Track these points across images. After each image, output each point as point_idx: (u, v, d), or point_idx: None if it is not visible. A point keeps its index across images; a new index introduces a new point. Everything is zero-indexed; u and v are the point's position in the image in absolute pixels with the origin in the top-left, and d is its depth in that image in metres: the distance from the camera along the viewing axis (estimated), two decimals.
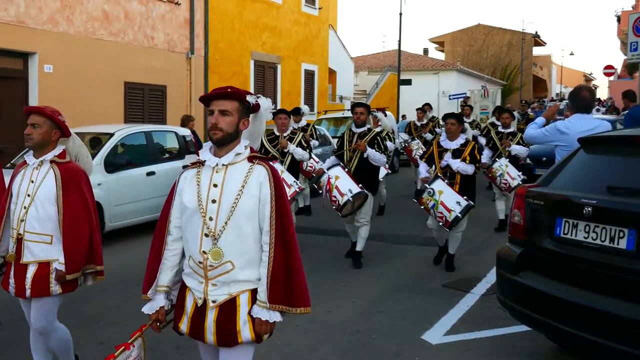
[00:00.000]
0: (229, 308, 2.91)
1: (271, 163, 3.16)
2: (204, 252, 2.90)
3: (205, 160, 3.00)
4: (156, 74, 15.20)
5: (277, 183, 2.96)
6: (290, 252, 2.92)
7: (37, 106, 4.00)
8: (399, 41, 28.89)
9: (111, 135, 9.61)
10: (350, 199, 7.19)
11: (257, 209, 2.92)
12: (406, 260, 8.04)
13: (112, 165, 9.13)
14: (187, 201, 2.98)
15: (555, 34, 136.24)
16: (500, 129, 10.28)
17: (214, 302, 2.91)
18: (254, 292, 2.93)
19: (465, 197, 6.98)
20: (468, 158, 7.18)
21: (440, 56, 54.91)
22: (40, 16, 12.46)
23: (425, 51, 53.15)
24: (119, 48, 14.23)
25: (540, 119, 5.99)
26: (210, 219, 2.90)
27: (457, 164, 7.15)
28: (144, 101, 15.07)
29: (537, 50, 60.81)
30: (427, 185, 7.05)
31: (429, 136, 13.48)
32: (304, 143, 8.50)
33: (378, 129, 10.73)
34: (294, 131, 8.62)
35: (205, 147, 3.05)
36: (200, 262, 2.92)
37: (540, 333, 4.63)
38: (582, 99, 5.67)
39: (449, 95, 34.42)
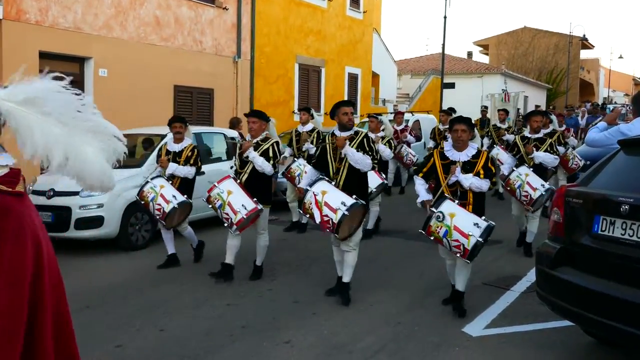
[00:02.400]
0: None
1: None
2: None
3: None
4: (204, 78, 15.65)
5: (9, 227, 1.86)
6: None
7: None
8: (443, 44, 28.90)
9: (163, 136, 10.01)
10: (346, 212, 5.86)
11: None
12: None
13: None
14: None
15: (604, 37, 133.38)
16: (526, 133, 8.57)
17: None
18: None
19: (483, 218, 5.72)
20: (482, 172, 5.87)
21: (485, 59, 54.43)
22: (95, 22, 13.01)
23: (469, 54, 52.71)
24: (169, 52, 14.72)
25: (602, 123, 6.13)
26: None
27: (470, 180, 5.83)
28: (192, 104, 15.54)
29: (584, 54, 59.69)
30: (433, 209, 5.67)
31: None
32: (270, 154, 7.02)
33: (380, 134, 10.09)
34: (267, 137, 7.19)
35: None
36: None
37: (579, 326, 4.79)
38: None
39: None
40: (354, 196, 6.01)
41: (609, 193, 4.27)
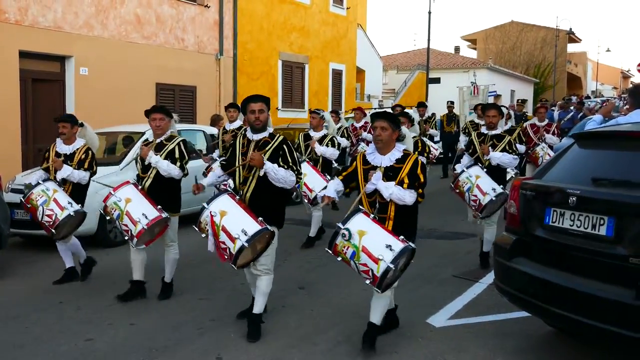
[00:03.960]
0: None
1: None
2: None
3: None
4: (186, 75, 15.73)
5: None
6: None
7: None
8: (428, 39, 29.09)
9: (143, 134, 10.10)
10: (246, 244, 4.90)
11: None
12: (422, 252, 8.27)
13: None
14: None
15: (591, 31, 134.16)
16: (483, 129, 7.67)
17: None
18: None
19: (401, 238, 4.65)
20: (406, 181, 4.80)
21: (473, 54, 54.75)
22: (76, 21, 13.06)
23: (457, 49, 53.00)
24: (150, 50, 14.78)
25: (598, 116, 6.24)
26: None
27: (390, 190, 4.77)
28: (174, 101, 15.61)
29: (572, 47, 60.13)
30: (340, 225, 4.63)
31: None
32: (177, 154, 6.20)
33: (320, 134, 9.08)
34: (172, 136, 6.40)
35: None
36: None
37: (535, 316, 4.93)
38: None
39: None
40: (260, 219, 5.02)
41: (558, 185, 4.41)
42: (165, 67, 15.11)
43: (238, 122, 9.71)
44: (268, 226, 5.06)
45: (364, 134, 12.86)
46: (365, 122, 13.27)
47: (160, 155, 6.17)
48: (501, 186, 7.17)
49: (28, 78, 12.37)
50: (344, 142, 10.69)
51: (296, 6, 20.03)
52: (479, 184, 7.02)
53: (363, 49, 26.16)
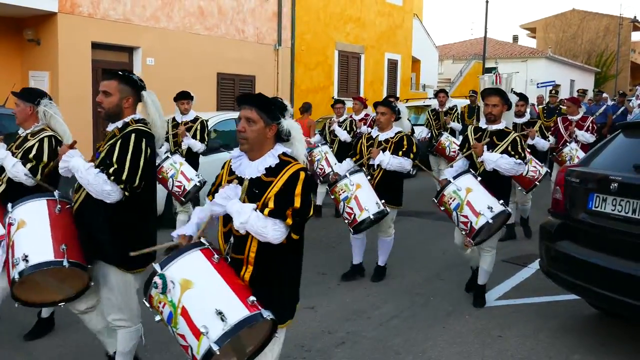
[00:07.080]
0: None
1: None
2: None
3: None
4: (246, 65, 16.26)
5: None
6: None
7: None
8: (485, 28, 28.95)
9: (206, 121, 10.65)
10: (17, 277, 3.41)
11: None
12: None
13: (207, 148, 10.12)
14: None
15: None
16: (482, 123, 5.76)
17: None
18: None
19: (251, 300, 2.72)
20: (271, 205, 2.87)
21: (532, 43, 53.80)
22: (143, 14, 13.73)
23: (515, 38, 52.21)
24: (212, 41, 15.36)
25: None
26: None
27: (243, 216, 2.84)
28: (234, 90, 16.18)
29: (636, 36, 58.39)
30: (157, 268, 2.84)
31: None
32: (31, 153, 4.40)
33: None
34: (42, 129, 4.56)
35: None
36: None
37: (578, 297, 5.18)
38: None
39: (537, 84, 33.93)
40: (63, 247, 3.46)
41: (601, 172, 4.65)
42: (226, 57, 15.67)
43: (193, 113, 8.33)
44: (67, 260, 3.42)
45: (363, 128, 10.47)
46: (366, 115, 11.04)
47: (17, 154, 4.42)
48: (501, 201, 5.29)
49: (99, 68, 13.08)
50: (344, 135, 10.06)
51: None
52: (471, 200, 5.20)
53: (419, 38, 26.24)
